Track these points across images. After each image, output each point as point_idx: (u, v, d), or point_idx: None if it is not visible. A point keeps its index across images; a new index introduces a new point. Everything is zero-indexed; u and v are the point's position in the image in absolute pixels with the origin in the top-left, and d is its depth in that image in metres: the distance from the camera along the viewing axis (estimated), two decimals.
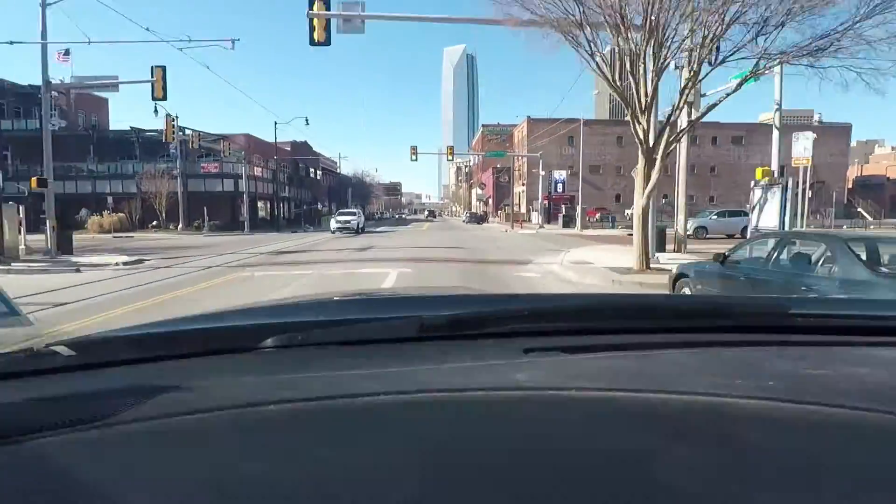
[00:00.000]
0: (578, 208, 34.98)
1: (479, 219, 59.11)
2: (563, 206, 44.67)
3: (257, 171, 39.93)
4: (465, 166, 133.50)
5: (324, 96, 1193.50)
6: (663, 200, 60.17)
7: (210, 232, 33.09)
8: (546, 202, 43.36)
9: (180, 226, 33.55)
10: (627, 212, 49.29)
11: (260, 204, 42.58)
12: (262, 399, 0.62)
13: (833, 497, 0.35)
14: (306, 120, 36.69)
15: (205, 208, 33.69)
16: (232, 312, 1.19)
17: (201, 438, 0.50)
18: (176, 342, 0.97)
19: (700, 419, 0.51)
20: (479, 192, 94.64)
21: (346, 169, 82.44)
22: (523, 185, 58.04)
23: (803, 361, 0.79)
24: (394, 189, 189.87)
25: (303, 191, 56.32)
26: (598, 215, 45.50)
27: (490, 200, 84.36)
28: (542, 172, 39.27)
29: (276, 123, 36.60)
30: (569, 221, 38.71)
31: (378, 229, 36.77)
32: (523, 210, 61.88)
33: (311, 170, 63.21)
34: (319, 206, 61.59)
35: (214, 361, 0.89)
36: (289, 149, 52.75)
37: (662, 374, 0.71)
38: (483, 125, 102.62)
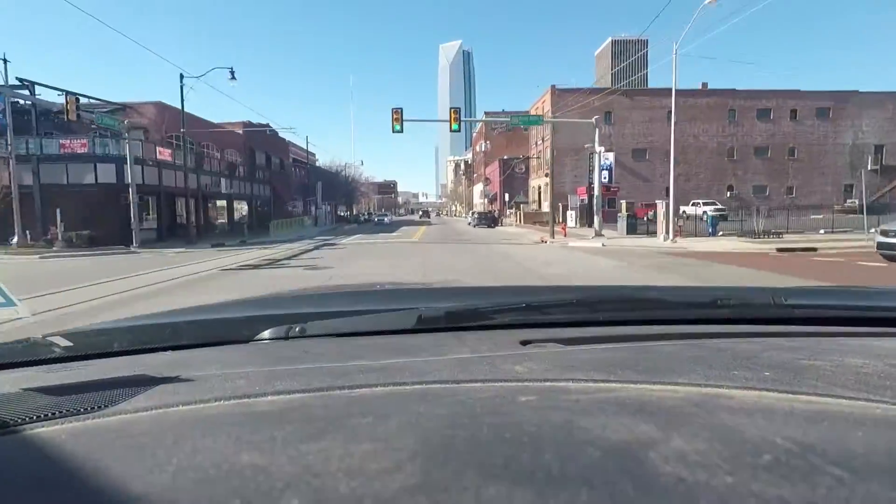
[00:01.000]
0: (664, 206, 21.85)
1: (491, 220, 44.39)
2: (613, 201, 31.92)
3: (166, 155, 26.64)
4: (464, 164, 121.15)
5: (313, 94, 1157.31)
6: (728, 194, 47.37)
7: (67, 248, 20.17)
8: (590, 196, 30.52)
9: (16, 239, 20.58)
10: (684, 209, 36.57)
11: (192, 204, 29.62)
12: (259, 390, 0.62)
13: (829, 487, 0.35)
14: (231, 72, 23.54)
15: (58, 210, 20.81)
16: (229, 304, 1.20)
17: (198, 429, 0.50)
18: (173, 333, 0.99)
19: (697, 410, 0.51)
20: (484, 187, 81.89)
21: (326, 163, 69.52)
22: (545, 175, 45.00)
23: (799, 352, 0.78)
24: (388, 188, 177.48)
25: (258, 186, 43.26)
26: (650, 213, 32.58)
27: (497, 197, 71.65)
28: (598, 148, 26.19)
29: (181, 77, 23.59)
30: (635, 225, 25.85)
31: (335, 242, 23.91)
32: (546, 208, 49.01)
33: (279, 161, 50.01)
34: (291, 208, 48.42)
35: (211, 353, 0.89)
36: (240, 132, 39.94)
37: (659, 366, 0.70)
38: (486, 112, 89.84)
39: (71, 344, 0.90)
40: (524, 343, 0.87)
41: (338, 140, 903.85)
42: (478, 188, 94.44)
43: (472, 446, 0.43)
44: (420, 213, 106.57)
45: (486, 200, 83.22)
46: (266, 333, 0.97)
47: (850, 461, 0.39)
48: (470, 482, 0.36)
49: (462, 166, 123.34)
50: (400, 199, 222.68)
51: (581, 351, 0.81)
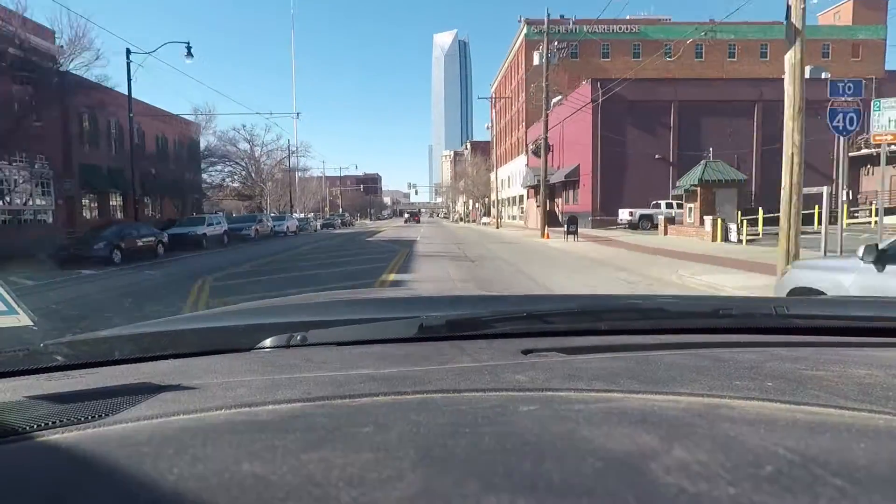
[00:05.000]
0: None
1: None
2: None
3: None
4: (469, 147, 79.73)
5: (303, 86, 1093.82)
6: None
7: None
8: None
9: None
10: None
11: None
12: (260, 399, 0.62)
13: (831, 498, 0.35)
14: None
15: None
16: (230, 312, 1.22)
17: (199, 438, 0.49)
18: (173, 341, 1.00)
19: (699, 420, 0.51)
20: (525, 163, 40.05)
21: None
22: None
23: (802, 362, 0.78)
24: (368, 183, 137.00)
25: None
26: None
27: (585, 184, 29.52)
28: None
29: None
30: None
31: None
32: None
33: None
34: None
35: (212, 361, 0.89)
36: None
37: (660, 376, 0.70)
38: (525, 20, 48.12)
39: (71, 352, 0.91)
40: (526, 352, 0.87)
41: (335, 140, 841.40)
42: (509, 169, 52.25)
43: (474, 456, 0.42)
44: (406, 215, 65.16)
45: (528, 190, 41.68)
46: (267, 342, 0.98)
47: (852, 472, 0.39)
48: (471, 492, 0.36)
49: (467, 152, 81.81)
50: (388, 200, 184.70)
51: (583, 360, 0.80)
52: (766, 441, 0.45)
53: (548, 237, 20.59)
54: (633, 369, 0.73)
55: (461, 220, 68.90)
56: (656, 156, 28.12)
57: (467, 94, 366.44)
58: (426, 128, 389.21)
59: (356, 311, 1.20)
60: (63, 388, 0.72)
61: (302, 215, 48.15)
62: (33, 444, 0.51)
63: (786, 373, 0.70)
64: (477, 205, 61.24)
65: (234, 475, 0.40)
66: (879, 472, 0.39)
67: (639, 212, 25.31)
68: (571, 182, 31.99)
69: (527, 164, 43.77)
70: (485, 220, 48.17)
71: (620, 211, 26.05)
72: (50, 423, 0.55)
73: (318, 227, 43.03)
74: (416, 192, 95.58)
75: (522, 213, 47.41)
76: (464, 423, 0.50)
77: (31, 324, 0.76)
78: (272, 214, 36.55)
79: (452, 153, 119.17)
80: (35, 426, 0.54)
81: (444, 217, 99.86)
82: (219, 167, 38.33)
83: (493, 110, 42.95)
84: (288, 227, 32.31)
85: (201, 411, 0.57)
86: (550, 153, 36.69)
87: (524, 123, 45.51)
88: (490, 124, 45.11)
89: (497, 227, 34.69)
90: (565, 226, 18.49)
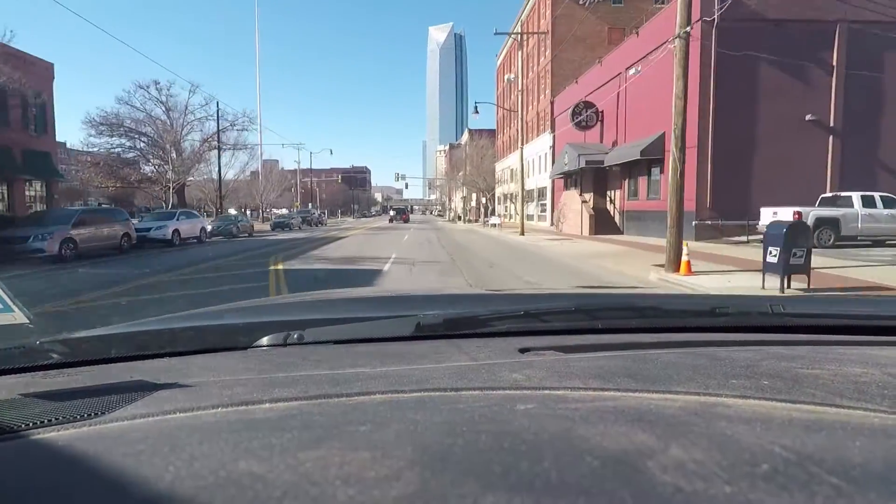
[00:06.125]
0: None
1: None
2: None
3: None
4: (467, 135, 67.54)
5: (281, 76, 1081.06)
6: None
7: None
8: None
9: None
10: None
11: None
12: (256, 397, 0.62)
13: (827, 496, 0.35)
14: None
15: None
16: (227, 311, 1.22)
17: (196, 436, 0.49)
18: (170, 340, 1.00)
19: (695, 419, 0.51)
20: (553, 138, 28.35)
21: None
22: None
23: (798, 361, 0.78)
24: (355, 175, 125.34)
25: None
26: None
27: (660, 169, 16.81)
28: None
29: None
30: None
31: None
32: None
33: None
34: None
35: (209, 359, 0.90)
36: None
37: (657, 374, 0.70)
38: None
39: (68, 350, 0.91)
40: (523, 351, 0.88)
41: (324, 134, 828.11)
42: (528, 151, 40.17)
43: (471, 454, 0.43)
44: (392, 212, 53.95)
45: (555, 180, 30.30)
46: (264, 340, 0.98)
47: (848, 470, 0.39)
48: (468, 490, 0.36)
49: (464, 141, 70.08)
50: (379, 196, 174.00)
51: (579, 359, 0.81)
52: (762, 439, 0.45)
53: (688, 269, 8.82)
54: (629, 368, 0.73)
55: (459, 219, 56.90)
56: (807, 117, 16.48)
57: (463, 89, 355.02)
58: (420, 124, 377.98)
59: (353, 310, 1.19)
60: (59, 385, 0.72)
61: (247, 213, 36.10)
62: (29, 443, 0.50)
63: (782, 371, 0.70)
64: (484, 200, 49.26)
65: (231, 474, 0.40)
66: (875, 470, 0.39)
67: (812, 212, 13.44)
68: (645, 163, 19.95)
69: (552, 146, 31.98)
70: (493, 220, 35.77)
71: (765, 212, 14.05)
72: (45, 420, 0.55)
73: (250, 230, 27.35)
74: (407, 187, 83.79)
75: (543, 211, 35.57)
76: (461, 422, 0.50)
77: (27, 321, 0.75)
78: (197, 213, 24.57)
79: (448, 146, 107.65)
80: (30, 424, 0.54)
81: (439, 215, 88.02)
82: (119, 142, 26.41)
83: (522, 52, 31.08)
84: (177, 231, 18.43)
85: (198, 409, 0.57)
86: (599, 123, 24.88)
87: (548, 91, 33.77)
88: (513, 76, 33.04)
89: (521, 233, 22.68)
90: (775, 250, 6.76)
